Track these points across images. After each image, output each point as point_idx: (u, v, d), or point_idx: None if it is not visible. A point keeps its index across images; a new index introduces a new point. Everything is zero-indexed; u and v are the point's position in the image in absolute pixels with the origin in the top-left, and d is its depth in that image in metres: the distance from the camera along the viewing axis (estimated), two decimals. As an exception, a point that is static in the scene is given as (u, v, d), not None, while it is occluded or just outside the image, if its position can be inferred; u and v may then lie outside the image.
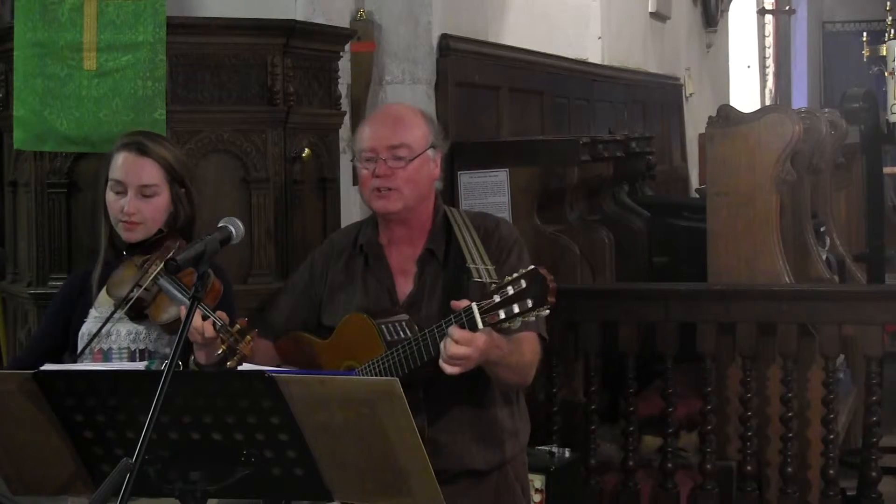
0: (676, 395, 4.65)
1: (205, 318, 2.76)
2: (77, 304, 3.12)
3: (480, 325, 2.65)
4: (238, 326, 2.78)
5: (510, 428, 3.10)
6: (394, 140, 3.00)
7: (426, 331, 2.81)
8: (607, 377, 4.90)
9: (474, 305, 2.66)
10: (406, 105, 3.29)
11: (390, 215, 3.05)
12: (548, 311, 2.64)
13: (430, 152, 3.05)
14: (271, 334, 3.19)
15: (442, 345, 2.71)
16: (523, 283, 2.61)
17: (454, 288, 2.98)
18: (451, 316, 2.71)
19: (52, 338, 3.14)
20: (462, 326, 2.67)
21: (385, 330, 2.94)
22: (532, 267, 2.64)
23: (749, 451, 4.52)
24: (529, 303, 2.60)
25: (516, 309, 2.61)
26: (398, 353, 2.86)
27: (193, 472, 2.37)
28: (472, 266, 2.95)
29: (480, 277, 2.90)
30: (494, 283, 2.71)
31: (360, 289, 3.09)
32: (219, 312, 2.80)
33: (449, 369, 2.70)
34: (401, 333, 2.92)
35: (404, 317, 2.95)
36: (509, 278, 2.64)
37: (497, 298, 2.63)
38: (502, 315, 2.62)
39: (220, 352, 2.77)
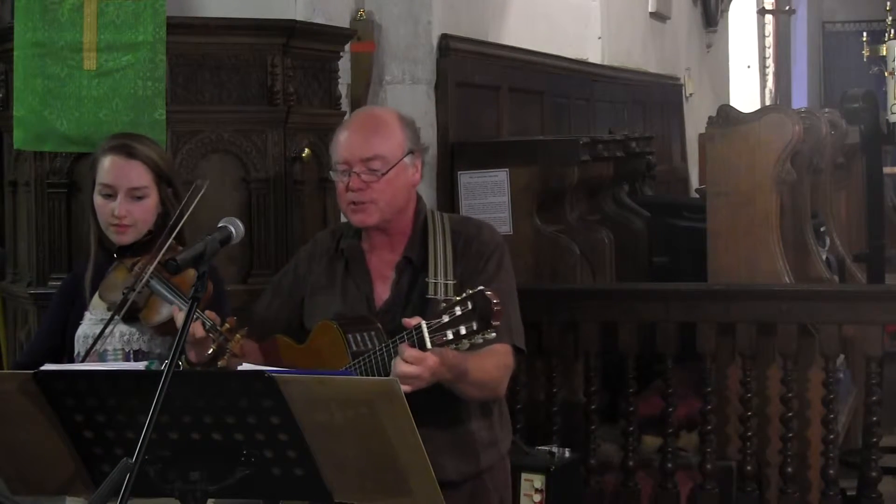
0: (676, 395, 4.65)
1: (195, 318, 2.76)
2: (73, 307, 3.12)
3: (429, 345, 2.61)
4: (227, 325, 2.78)
5: (487, 439, 3.03)
6: (367, 152, 2.91)
7: (382, 346, 2.78)
8: (607, 377, 4.90)
9: (423, 324, 2.61)
10: (381, 110, 3.15)
11: (368, 228, 3.01)
12: (494, 335, 2.60)
13: (407, 159, 2.96)
14: (255, 334, 3.14)
15: (393, 362, 2.67)
16: (469, 305, 2.57)
17: (425, 299, 2.94)
18: (404, 333, 2.66)
19: (51, 340, 3.14)
20: (413, 345, 2.63)
21: (352, 340, 2.89)
22: (479, 288, 2.60)
23: (749, 451, 4.52)
24: (474, 325, 2.57)
25: (463, 330, 2.57)
26: (359, 366, 2.83)
27: (193, 472, 2.36)
28: (430, 281, 2.91)
29: (435, 294, 2.87)
30: (444, 301, 2.67)
31: (339, 293, 3.04)
32: (207, 312, 2.80)
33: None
34: (368, 344, 2.87)
35: (377, 326, 2.89)
36: (457, 298, 2.60)
37: (445, 318, 2.59)
38: (450, 336, 2.59)
39: (210, 351, 2.77)
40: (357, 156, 2.92)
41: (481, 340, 2.61)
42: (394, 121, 3.00)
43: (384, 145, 2.94)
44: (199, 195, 2.89)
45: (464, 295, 2.60)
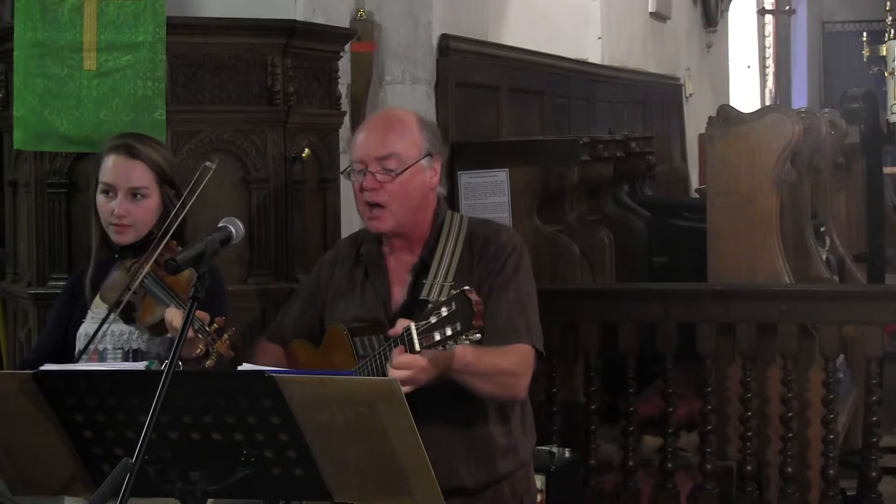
0: (676, 395, 4.66)
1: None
2: (76, 305, 3.13)
3: (418, 347, 2.58)
4: (215, 326, 2.77)
5: (505, 445, 2.98)
6: (382, 151, 2.88)
7: (380, 349, 2.76)
8: (607, 377, 4.90)
9: (412, 326, 2.59)
10: (402, 111, 3.11)
11: (383, 234, 2.99)
12: (479, 336, 2.57)
13: (424, 161, 2.92)
14: (281, 340, 3.15)
15: (388, 365, 2.65)
16: (453, 306, 2.54)
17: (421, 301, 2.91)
18: (397, 336, 2.64)
19: (56, 339, 3.14)
20: (404, 347, 2.60)
21: (358, 343, 2.89)
22: (465, 288, 2.56)
23: (749, 451, 4.52)
24: (458, 326, 2.53)
25: (448, 331, 2.54)
26: (361, 369, 2.82)
27: (193, 472, 2.36)
28: (425, 282, 2.89)
29: (429, 295, 2.85)
30: (432, 303, 2.65)
31: (358, 298, 3.03)
32: (197, 312, 2.78)
33: None
34: (374, 347, 2.86)
35: (385, 329, 2.85)
36: (443, 299, 2.58)
37: (433, 319, 2.56)
38: (437, 337, 2.56)
39: (198, 351, 2.75)
40: (373, 154, 2.89)
41: (467, 342, 2.58)
42: (412, 121, 2.96)
43: (400, 144, 2.90)
44: (208, 177, 2.86)
45: (448, 296, 2.58)
